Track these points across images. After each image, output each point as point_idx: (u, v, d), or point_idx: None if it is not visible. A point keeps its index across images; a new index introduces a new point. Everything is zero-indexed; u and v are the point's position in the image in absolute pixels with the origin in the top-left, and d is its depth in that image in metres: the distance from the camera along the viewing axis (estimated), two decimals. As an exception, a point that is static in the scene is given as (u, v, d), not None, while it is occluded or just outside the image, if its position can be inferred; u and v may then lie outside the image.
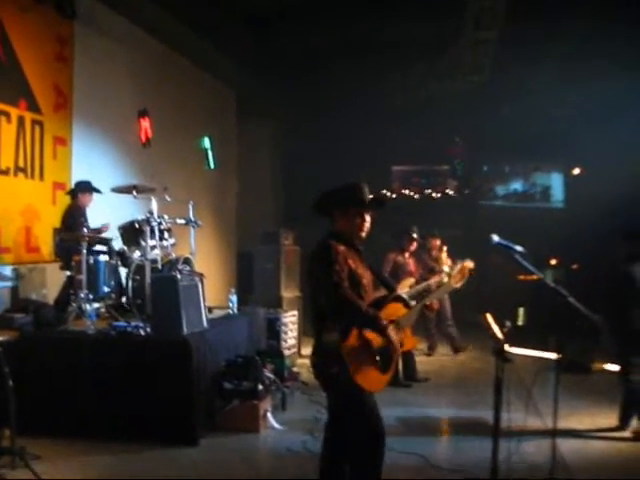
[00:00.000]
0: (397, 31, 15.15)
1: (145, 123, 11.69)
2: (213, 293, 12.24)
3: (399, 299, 5.37)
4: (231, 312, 10.48)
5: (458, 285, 6.03)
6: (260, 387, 8.54)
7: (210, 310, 9.81)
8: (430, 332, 13.86)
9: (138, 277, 9.14)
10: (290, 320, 12.86)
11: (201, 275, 9.36)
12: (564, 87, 17.25)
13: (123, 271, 9.55)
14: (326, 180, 6.67)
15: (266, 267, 13.78)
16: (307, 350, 11.93)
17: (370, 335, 4.96)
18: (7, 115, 9.61)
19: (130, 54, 12.47)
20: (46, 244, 10.19)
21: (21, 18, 9.85)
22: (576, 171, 21.36)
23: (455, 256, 9.25)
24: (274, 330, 12.10)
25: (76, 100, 11.04)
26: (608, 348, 9.22)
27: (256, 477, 7.14)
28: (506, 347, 4.71)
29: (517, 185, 22.93)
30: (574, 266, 18.32)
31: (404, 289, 5.62)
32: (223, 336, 9.31)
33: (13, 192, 9.75)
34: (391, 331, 4.97)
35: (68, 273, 9.34)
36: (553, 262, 18.54)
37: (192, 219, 9.75)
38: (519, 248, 5.24)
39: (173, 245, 9.65)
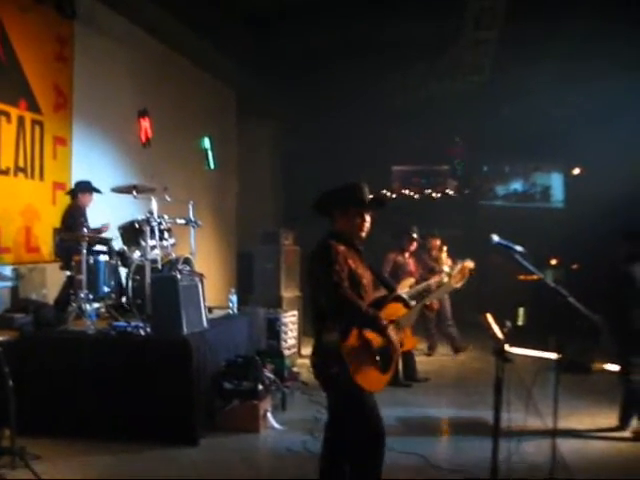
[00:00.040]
0: (397, 31, 15.17)
1: (145, 123, 11.70)
2: (213, 293, 12.25)
3: (399, 299, 5.37)
4: (231, 312, 10.48)
5: (458, 285, 6.03)
6: (260, 387, 8.54)
7: (210, 310, 9.81)
8: (430, 332, 13.86)
9: (138, 277, 9.14)
10: (290, 320, 12.86)
11: (201, 275, 9.36)
12: (564, 87, 17.26)
13: (123, 271, 9.55)
14: (326, 180, 6.67)
15: (266, 267, 13.78)
16: (307, 350, 11.93)
17: (370, 335, 4.96)
18: (7, 115, 9.61)
19: (130, 54, 12.47)
20: (46, 244, 10.19)
21: (21, 18, 9.85)
22: (576, 171, 21.36)
23: (455, 256, 9.25)
24: (274, 330, 12.11)
25: (76, 100, 11.04)
26: (608, 348, 9.23)
27: (256, 477, 7.14)
28: (506, 347, 4.71)
29: (517, 185, 22.93)
30: (574, 266, 18.33)
31: (404, 289, 5.62)
32: (223, 336, 9.31)
33: (13, 192, 9.75)
34: (391, 331, 4.97)
35: (68, 273, 9.34)
36: (553, 262, 18.55)
37: (192, 219, 9.75)
38: (519, 248, 5.24)
39: (173, 245, 9.65)
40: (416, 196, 22.48)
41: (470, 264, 5.97)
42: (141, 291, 8.92)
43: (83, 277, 8.67)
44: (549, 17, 14.05)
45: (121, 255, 9.53)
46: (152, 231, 9.03)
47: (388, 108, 19.85)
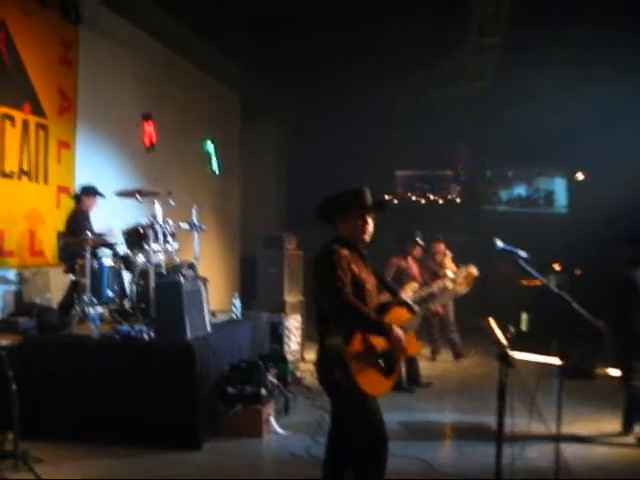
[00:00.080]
0: (403, 37, 15.18)
1: (149, 127, 11.69)
2: (217, 298, 12.25)
3: (403, 304, 5.37)
4: (234, 316, 10.49)
5: (463, 291, 6.02)
6: (263, 391, 8.55)
7: (213, 314, 9.83)
8: (433, 337, 13.86)
9: (142, 281, 9.13)
10: (293, 324, 12.88)
11: (205, 280, 9.38)
12: (567, 92, 17.25)
13: (127, 275, 9.56)
14: (329, 184, 6.67)
15: (269, 271, 13.77)
16: (310, 354, 11.96)
17: (374, 340, 4.96)
18: (11, 119, 9.62)
19: (134, 58, 12.48)
20: (50, 248, 10.19)
21: (26, 22, 9.85)
22: (580, 176, 21.36)
23: (459, 261, 9.25)
24: (277, 334, 12.14)
25: (80, 104, 11.05)
26: (611, 353, 9.22)
27: (259, 481, 7.16)
28: (509, 352, 4.71)
29: (520, 190, 22.92)
30: (577, 271, 18.32)
31: (408, 294, 5.62)
32: (226, 340, 9.32)
33: (17, 196, 9.75)
34: (397, 330, 4.96)
35: (72, 277, 9.33)
36: (556, 267, 18.54)
37: (196, 224, 9.76)
38: (523, 253, 5.24)
39: (177, 250, 9.65)
40: (422, 201, 22.47)
41: (474, 271, 5.96)
42: (145, 295, 8.93)
43: (87, 281, 8.68)
44: (552, 23, 14.06)
45: (125, 259, 9.54)
46: (156, 235, 9.04)
47: (392, 113, 19.88)
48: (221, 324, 9.88)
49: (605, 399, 9.88)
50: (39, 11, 10.10)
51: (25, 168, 9.88)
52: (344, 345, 4.89)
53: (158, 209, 9.19)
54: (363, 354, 4.93)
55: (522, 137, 18.98)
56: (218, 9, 13.88)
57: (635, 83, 15.02)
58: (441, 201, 22.52)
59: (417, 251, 12.19)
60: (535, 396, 6.22)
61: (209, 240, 14.08)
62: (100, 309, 9.10)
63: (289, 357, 11.10)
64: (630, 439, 8.33)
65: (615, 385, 9.17)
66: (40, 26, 10.17)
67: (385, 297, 5.53)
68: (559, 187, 22.68)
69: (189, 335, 8.18)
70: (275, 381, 9.10)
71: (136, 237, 9.32)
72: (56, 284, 10.01)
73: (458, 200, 22.54)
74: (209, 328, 8.83)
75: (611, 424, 8.75)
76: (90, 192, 9.92)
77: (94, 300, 8.78)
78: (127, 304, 9.27)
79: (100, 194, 9.99)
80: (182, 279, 8.58)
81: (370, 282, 5.26)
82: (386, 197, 20.96)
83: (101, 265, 9.11)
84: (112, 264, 9.30)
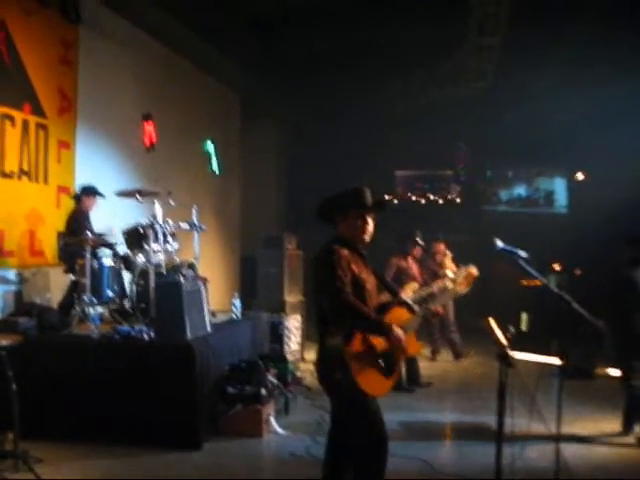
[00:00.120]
0: (403, 37, 15.18)
1: (149, 127, 11.69)
2: (217, 297, 12.25)
3: (403, 304, 5.37)
4: (234, 316, 10.50)
5: (463, 291, 6.02)
6: (263, 391, 8.55)
7: (213, 314, 9.84)
8: (433, 337, 13.86)
9: (142, 281, 9.13)
10: (293, 324, 12.89)
11: (205, 280, 9.38)
12: (567, 92, 17.25)
13: (127, 275, 9.56)
14: (329, 184, 6.67)
15: (269, 272, 13.77)
16: (310, 354, 11.96)
17: (374, 340, 4.96)
18: (11, 119, 9.62)
19: (134, 58, 12.48)
20: (50, 248, 10.19)
21: (26, 22, 9.85)
22: (580, 176, 21.36)
23: (459, 261, 9.25)
24: (277, 334, 12.14)
25: (80, 104, 11.05)
26: (611, 353, 9.22)
27: (259, 481, 7.16)
28: (509, 352, 4.71)
29: (521, 190, 22.91)
30: (577, 271, 18.32)
31: (408, 294, 5.62)
32: (226, 340, 9.33)
33: (17, 196, 9.75)
34: (397, 330, 4.96)
35: (72, 277, 9.33)
36: (556, 267, 18.54)
37: (196, 224, 9.76)
38: (523, 253, 5.24)
39: (177, 250, 9.65)
40: (422, 201, 22.47)
41: (474, 271, 5.96)
42: (145, 295, 8.93)
43: (87, 281, 8.68)
44: (552, 23, 14.07)
45: (125, 259, 9.54)
46: (156, 235, 9.04)
47: (392, 113, 19.87)
48: (221, 324, 9.89)
49: (605, 399, 9.88)
50: (39, 11, 10.10)
51: (25, 168, 9.88)
52: (344, 345, 4.89)
53: (158, 209, 9.19)
54: (363, 354, 4.93)
55: (522, 137, 18.98)
56: (218, 9, 13.88)
57: (635, 83, 15.03)
58: (441, 201, 22.52)
59: (417, 251, 12.19)
60: (535, 396, 6.22)
61: (209, 240, 14.08)
62: (100, 309, 9.11)
63: (289, 357, 11.10)
64: (630, 439, 8.33)
65: (615, 385, 9.18)
66: (40, 26, 10.17)
67: (385, 297, 5.53)
68: (559, 187, 22.67)
69: (189, 335, 8.18)
70: (275, 381, 9.10)
71: (136, 237, 9.32)
72: (56, 284, 10.01)
73: (458, 200, 22.54)
74: (209, 328, 8.84)
75: (611, 424, 8.76)
76: (90, 192, 9.92)
77: (94, 300, 8.78)
78: (127, 304, 9.26)
79: (100, 194, 9.99)
80: (182, 279, 8.58)
81: (370, 282, 5.26)
82: (386, 197, 20.95)
83: (101, 265, 9.11)
84: (112, 264, 9.30)
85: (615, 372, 9.62)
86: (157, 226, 9.04)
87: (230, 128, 17.33)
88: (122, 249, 9.65)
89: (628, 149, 16.02)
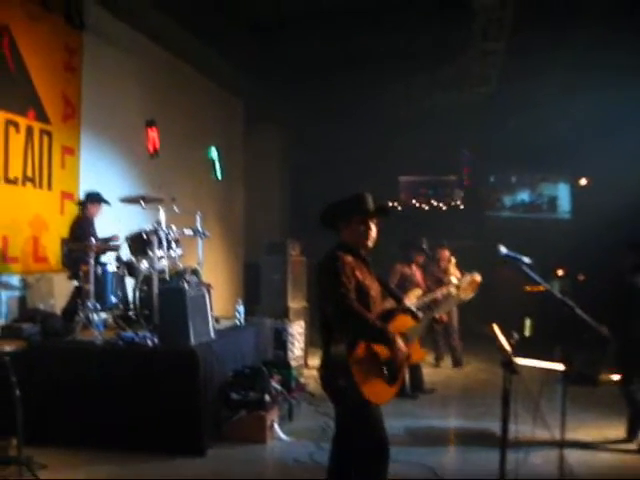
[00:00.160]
0: (408, 42, 15.20)
1: (153, 133, 11.69)
2: (220, 304, 12.26)
3: (407, 311, 5.37)
4: (238, 323, 10.49)
5: (467, 298, 6.02)
6: (267, 398, 8.54)
7: (217, 321, 9.83)
8: (437, 343, 13.86)
9: (146, 288, 9.12)
10: (297, 331, 12.88)
11: (208, 286, 9.37)
12: (570, 98, 17.26)
13: (130, 282, 9.56)
14: (333, 190, 6.68)
15: (273, 278, 13.75)
16: (314, 361, 11.96)
17: (377, 347, 4.96)
18: (16, 125, 9.64)
19: (138, 64, 12.50)
20: (54, 254, 10.20)
21: (30, 27, 9.88)
22: (583, 181, 21.35)
23: (464, 267, 9.24)
24: (281, 341, 12.13)
25: (84, 110, 11.07)
26: (612, 359, 9.21)
27: (263, 488, 7.16)
28: (514, 358, 4.70)
29: (524, 196, 22.90)
30: (580, 277, 18.30)
31: (411, 300, 5.62)
32: (230, 347, 9.32)
33: (21, 202, 9.76)
34: (399, 342, 4.96)
35: (76, 283, 9.35)
36: (560, 273, 18.53)
37: (200, 230, 9.75)
38: (526, 259, 5.24)
39: (181, 256, 9.64)
40: (426, 207, 22.46)
41: (478, 277, 5.96)
42: (149, 301, 8.92)
43: (91, 287, 8.68)
44: (555, 27, 14.06)
45: (129, 265, 9.54)
46: (160, 242, 9.04)
47: (395, 119, 19.88)
48: (225, 330, 9.87)
49: (609, 405, 9.85)
50: (43, 16, 10.13)
51: (29, 174, 9.90)
52: (348, 352, 4.89)
53: (162, 215, 9.20)
54: (366, 361, 4.92)
55: (525, 143, 18.98)
56: (218, 13, 13.88)
57: (638, 89, 15.02)
58: (444, 207, 22.51)
59: (420, 258, 12.18)
60: (539, 402, 6.21)
61: (213, 246, 14.06)
62: (104, 315, 9.12)
63: (293, 363, 11.07)
64: (634, 445, 8.31)
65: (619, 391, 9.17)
66: (44, 32, 10.20)
67: (389, 304, 5.53)
68: (562, 192, 22.67)
69: (193, 341, 8.18)
70: (279, 387, 9.09)
71: (140, 243, 9.32)
72: (60, 290, 10.01)
73: (462, 206, 22.52)
74: (213, 334, 8.83)
75: (615, 430, 8.74)
76: (95, 199, 9.92)
77: (98, 306, 8.78)
78: (131, 310, 9.26)
79: (105, 201, 9.99)
80: (186, 285, 8.58)
81: (374, 289, 5.26)
82: (389, 203, 20.93)
83: (105, 271, 9.12)
84: (116, 270, 9.30)
85: (617, 378, 9.60)
86: (161, 232, 9.03)
87: (233, 134, 17.34)
88: (126, 255, 9.64)
89: (631, 154, 16.02)
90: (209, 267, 11.44)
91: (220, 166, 11.76)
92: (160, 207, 9.26)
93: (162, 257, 9.19)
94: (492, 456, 5.10)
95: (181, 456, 7.66)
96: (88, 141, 11.12)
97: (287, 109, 18.81)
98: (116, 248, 9.64)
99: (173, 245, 9.39)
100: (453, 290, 5.93)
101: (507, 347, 4.73)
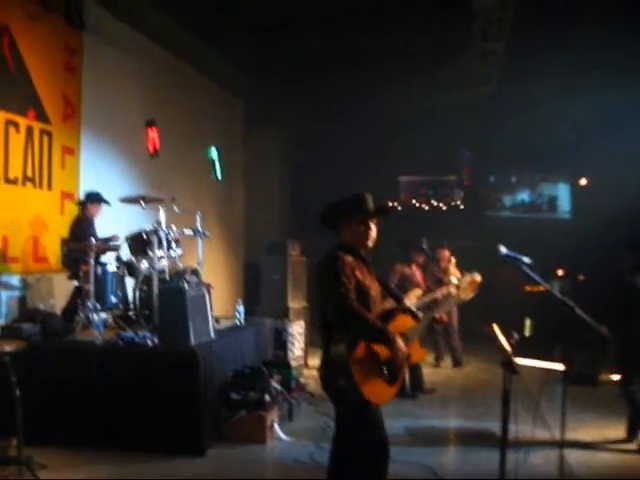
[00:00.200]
0: (408, 42, 15.21)
1: (153, 133, 11.68)
2: (220, 304, 12.25)
3: (407, 311, 5.37)
4: (238, 323, 10.49)
5: (467, 298, 6.02)
6: (267, 398, 8.54)
7: (217, 321, 9.83)
8: (437, 343, 13.86)
9: (146, 287, 9.12)
10: (297, 331, 12.88)
11: (208, 286, 9.37)
12: (571, 98, 17.26)
13: (130, 281, 9.56)
14: (333, 190, 6.68)
15: (273, 278, 13.75)
16: (314, 361, 11.96)
17: (377, 347, 4.96)
18: (16, 125, 9.64)
19: (138, 64, 12.50)
20: (54, 254, 10.20)
21: (30, 27, 9.88)
22: (583, 181, 21.35)
23: (464, 267, 9.24)
24: (281, 341, 12.13)
25: (84, 110, 11.07)
26: (612, 359, 9.21)
27: (263, 488, 7.15)
28: (514, 359, 4.70)
29: (524, 196, 22.91)
30: (580, 277, 18.30)
31: (411, 300, 5.62)
32: (230, 347, 9.32)
33: (21, 202, 9.76)
34: (399, 342, 4.96)
35: (76, 283, 9.35)
36: (560, 273, 18.52)
37: (200, 230, 9.75)
38: (526, 259, 5.23)
39: (181, 256, 9.64)
40: (426, 207, 22.46)
41: (478, 278, 5.96)
42: (149, 301, 8.92)
43: (91, 287, 8.68)
44: (555, 27, 14.06)
45: (129, 265, 9.53)
46: (160, 242, 9.03)
47: (395, 119, 19.88)
48: (225, 330, 9.87)
49: (609, 405, 9.85)
50: (43, 16, 10.12)
51: (29, 174, 9.90)
52: (348, 352, 4.89)
53: (162, 215, 9.20)
54: (366, 362, 4.92)
55: (525, 143, 18.97)
56: (218, 13, 13.88)
57: (638, 89, 15.02)
58: (445, 207, 22.50)
59: (420, 258, 12.17)
60: (539, 402, 6.21)
61: (213, 246, 14.06)
62: (104, 315, 9.12)
63: (293, 363, 11.08)
64: (634, 445, 8.31)
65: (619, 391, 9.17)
66: (44, 32, 10.20)
67: (389, 304, 5.53)
68: (562, 192, 22.67)
69: (193, 341, 8.18)
70: (279, 387, 9.09)
71: (140, 243, 9.32)
72: (60, 290, 10.01)
73: (462, 206, 22.52)
74: (213, 334, 8.83)
75: (615, 430, 8.74)
76: (96, 199, 9.91)
77: (98, 306, 8.78)
78: (131, 310, 9.26)
79: (105, 201, 9.99)
80: (186, 285, 8.58)
81: (374, 289, 5.26)
82: (389, 203, 20.91)
83: (105, 271, 9.12)
84: (116, 270, 9.30)
85: (617, 378, 9.60)
86: (161, 232, 9.03)
87: (233, 133, 17.34)
88: (126, 255, 9.64)
89: (632, 154, 16.02)
90: (209, 267, 11.44)
91: (220, 166, 11.76)
92: (160, 207, 9.27)
93: (162, 257, 9.19)
94: (492, 456, 5.10)
95: (181, 456, 7.66)
96: (88, 141, 11.13)
97: (287, 109, 18.81)
98: (116, 248, 9.64)
99: (173, 245, 9.39)
100: (453, 290, 5.93)
101: (507, 347, 4.73)
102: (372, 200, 5.29)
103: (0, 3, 9.33)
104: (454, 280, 6.81)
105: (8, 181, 9.48)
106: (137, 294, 9.18)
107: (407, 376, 10.66)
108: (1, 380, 6.62)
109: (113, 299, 9.15)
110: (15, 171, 9.61)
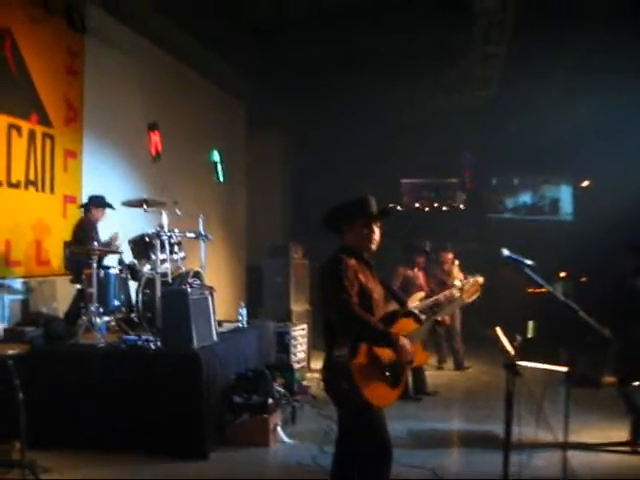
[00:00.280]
0: (409, 45, 15.21)
1: (155, 137, 11.70)
2: (223, 307, 12.24)
3: (410, 314, 5.37)
4: (241, 326, 10.49)
5: (469, 301, 6.02)
6: (270, 401, 8.55)
7: (220, 324, 9.83)
8: (440, 346, 13.85)
9: (148, 291, 9.13)
10: (300, 334, 12.88)
11: (211, 289, 9.38)
12: (571, 101, 17.27)
13: (133, 285, 9.56)
14: (335, 193, 6.69)
15: (275, 281, 13.78)
16: (317, 364, 11.96)
17: (379, 351, 4.96)
18: (18, 129, 9.64)
19: (140, 67, 12.50)
20: (56, 257, 10.20)
21: (32, 30, 9.87)
22: (585, 183, 21.34)
23: (466, 269, 9.23)
24: (284, 343, 12.13)
25: (86, 113, 11.07)
26: (613, 361, 9.21)
27: (266, 491, 7.15)
28: (517, 361, 4.70)
29: (526, 198, 22.90)
30: (583, 279, 18.28)
31: (414, 303, 5.62)
32: (233, 350, 9.32)
33: (24, 205, 9.75)
34: (404, 342, 4.95)
35: (78, 286, 9.33)
36: (562, 275, 18.50)
37: (202, 233, 9.76)
38: (529, 262, 5.23)
39: (183, 259, 9.65)
40: (427, 209, 22.45)
41: (481, 280, 5.96)
42: (151, 305, 8.93)
43: (93, 290, 8.67)
44: (556, 30, 14.06)
45: (131, 269, 9.54)
46: (162, 245, 9.05)
47: (397, 121, 19.88)
48: (227, 333, 9.88)
49: (612, 407, 9.81)
50: (45, 19, 10.12)
51: (31, 178, 9.90)
52: (350, 355, 4.89)
53: (165, 218, 9.20)
54: (369, 365, 4.92)
55: (527, 145, 18.97)
56: (220, 16, 13.89)
57: (639, 92, 15.02)
58: (447, 209, 22.48)
59: (423, 260, 12.17)
60: (542, 404, 6.21)
61: (215, 249, 14.07)
62: (106, 318, 9.08)
63: (295, 366, 11.10)
64: (638, 447, 8.30)
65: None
66: (46, 35, 10.19)
67: (392, 307, 5.52)
68: (565, 194, 22.67)
69: (196, 344, 8.18)
70: (282, 390, 9.10)
71: (143, 246, 9.34)
72: (62, 294, 10.01)
73: (464, 208, 22.50)
74: (215, 337, 8.83)
75: (618, 432, 8.71)
76: (99, 204, 9.87)
77: (100, 309, 8.77)
78: (133, 313, 9.26)
79: (110, 205, 9.96)
80: (188, 288, 8.59)
81: (377, 292, 5.26)
82: (392, 206, 20.90)
83: (107, 274, 9.12)
84: (118, 273, 9.31)
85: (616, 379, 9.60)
86: (163, 235, 9.04)
87: (235, 136, 17.35)
88: (128, 258, 9.65)
89: (633, 156, 16.00)
90: (212, 270, 11.43)
91: (222, 169, 11.80)
92: (162, 210, 9.28)
93: (165, 260, 9.20)
94: (495, 458, 5.09)
95: (184, 459, 7.65)
96: (90, 144, 11.13)
97: (289, 112, 18.81)
98: (119, 251, 9.65)
99: (175, 248, 9.41)
100: (456, 293, 5.91)
101: (510, 349, 4.73)
102: (374, 203, 5.29)
103: (2, 6, 9.33)
104: (457, 283, 6.79)
105: (11, 185, 9.48)
106: (140, 297, 9.18)
107: (410, 379, 10.66)
108: (4, 383, 6.62)
109: (116, 302, 9.15)
110: (18, 175, 9.61)
